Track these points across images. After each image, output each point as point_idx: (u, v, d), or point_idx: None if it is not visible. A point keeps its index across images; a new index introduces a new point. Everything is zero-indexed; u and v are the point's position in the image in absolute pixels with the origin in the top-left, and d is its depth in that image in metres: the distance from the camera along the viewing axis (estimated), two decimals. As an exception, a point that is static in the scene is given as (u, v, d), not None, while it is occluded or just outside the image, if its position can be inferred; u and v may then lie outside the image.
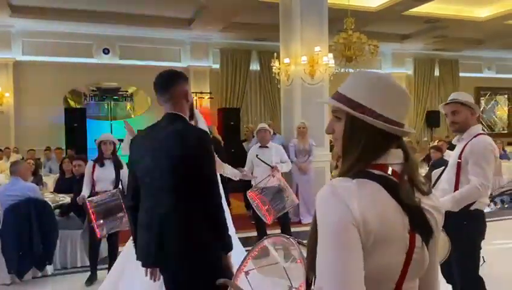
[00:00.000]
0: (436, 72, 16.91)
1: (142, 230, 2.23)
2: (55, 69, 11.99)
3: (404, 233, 1.14)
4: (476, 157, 2.76)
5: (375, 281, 1.12)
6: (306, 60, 7.27)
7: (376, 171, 1.17)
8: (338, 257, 1.07)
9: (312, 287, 1.26)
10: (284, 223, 5.30)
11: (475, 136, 2.86)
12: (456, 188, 2.83)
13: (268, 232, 5.16)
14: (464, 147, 2.85)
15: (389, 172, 1.18)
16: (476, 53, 16.87)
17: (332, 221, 1.10)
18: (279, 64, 7.83)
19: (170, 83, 2.40)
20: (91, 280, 4.87)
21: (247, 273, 1.78)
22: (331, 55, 7.79)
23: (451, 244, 2.58)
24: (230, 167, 4.43)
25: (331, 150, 8.14)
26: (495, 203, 5.75)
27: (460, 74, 17.14)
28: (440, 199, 2.52)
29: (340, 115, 1.26)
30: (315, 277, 1.20)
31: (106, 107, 12.98)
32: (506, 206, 6.81)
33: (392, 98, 1.22)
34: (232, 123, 12.40)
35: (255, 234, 5.90)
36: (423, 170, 7.01)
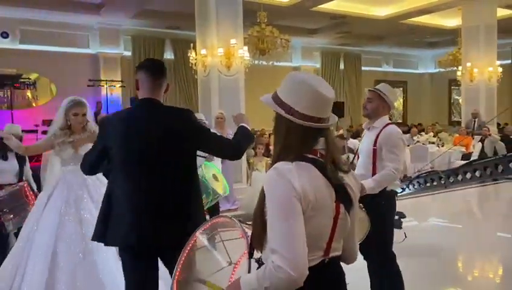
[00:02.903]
0: (341, 66, 18.03)
1: None
2: None
3: (331, 203, 1.46)
4: (389, 146, 3.05)
5: (313, 242, 1.40)
6: (222, 52, 7.44)
7: (309, 155, 1.47)
8: (286, 223, 1.36)
9: (255, 256, 1.53)
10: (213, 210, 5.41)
11: (385, 126, 3.13)
12: (374, 172, 3.09)
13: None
14: (378, 135, 3.11)
15: (319, 155, 1.48)
16: (376, 49, 18.29)
17: (280, 195, 1.38)
18: (196, 54, 7.90)
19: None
20: None
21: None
22: (246, 48, 8.03)
23: (371, 222, 2.84)
24: None
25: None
26: (413, 185, 6.46)
27: (363, 68, 18.48)
28: (362, 182, 2.86)
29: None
30: (260, 247, 1.49)
31: (5, 95, 12.01)
32: (422, 186, 7.64)
33: (313, 101, 1.47)
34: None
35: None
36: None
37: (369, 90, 3.25)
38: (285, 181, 1.38)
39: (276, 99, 1.51)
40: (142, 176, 2.33)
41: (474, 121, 11.74)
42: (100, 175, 3.61)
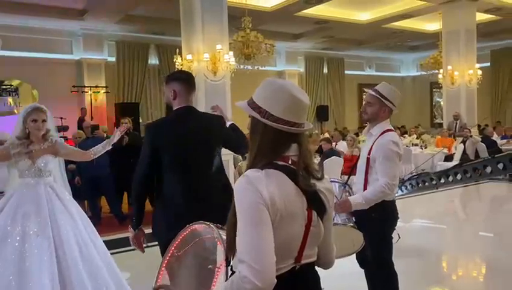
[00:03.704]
0: (325, 70, 18.20)
1: None
2: None
3: (303, 210, 1.44)
4: (381, 157, 2.82)
5: (283, 250, 1.39)
6: (208, 58, 7.48)
7: (280, 162, 1.45)
8: (253, 231, 1.34)
9: (231, 264, 1.51)
10: None
11: (382, 134, 2.90)
12: (365, 182, 2.93)
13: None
14: (373, 143, 2.91)
15: (290, 162, 1.46)
16: (359, 53, 18.51)
17: (247, 203, 1.37)
18: (182, 60, 7.93)
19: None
20: None
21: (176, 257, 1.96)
22: (231, 53, 8.09)
23: (365, 235, 2.71)
24: None
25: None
26: (406, 187, 6.56)
27: (346, 72, 18.67)
28: (350, 198, 2.80)
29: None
30: (233, 256, 1.48)
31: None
32: (414, 188, 7.78)
33: (289, 105, 1.46)
34: (131, 118, 12.07)
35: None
36: (316, 160, 7.66)
37: (369, 93, 2.99)
38: (253, 189, 1.36)
39: (252, 104, 1.50)
40: (190, 173, 2.67)
41: (456, 123, 11.99)
42: (60, 191, 3.50)
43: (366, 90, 19.56)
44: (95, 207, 6.93)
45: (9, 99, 12.17)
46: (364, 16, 13.59)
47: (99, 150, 3.78)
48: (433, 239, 5.92)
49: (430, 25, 14.71)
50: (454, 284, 4.60)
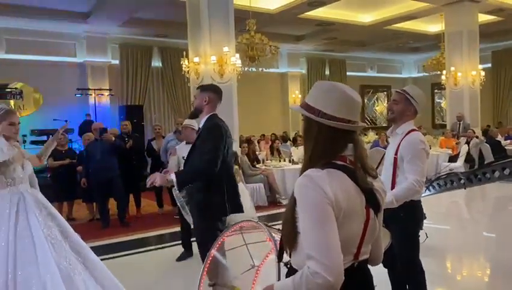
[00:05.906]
0: (327, 71, 18.22)
1: None
2: None
3: (362, 208, 1.49)
4: (410, 156, 2.82)
5: (344, 247, 1.43)
6: (215, 60, 7.50)
7: (339, 162, 1.50)
8: (320, 229, 1.39)
9: (284, 260, 1.57)
10: None
11: (408, 133, 2.90)
12: (393, 181, 2.91)
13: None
14: (399, 143, 2.90)
15: (348, 162, 1.51)
16: (361, 54, 18.55)
17: (312, 202, 1.41)
18: (189, 62, 7.95)
19: None
20: None
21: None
22: (238, 55, 8.12)
23: (391, 235, 2.63)
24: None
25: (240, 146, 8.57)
26: (433, 187, 6.56)
27: (348, 73, 18.68)
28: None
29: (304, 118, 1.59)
30: (290, 250, 1.53)
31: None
32: (442, 188, 7.82)
33: (343, 103, 1.51)
34: (135, 121, 12.10)
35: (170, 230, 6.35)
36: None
37: (396, 91, 3.04)
38: (318, 188, 1.40)
39: (306, 106, 1.54)
40: (230, 164, 3.30)
41: (459, 124, 12.03)
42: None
43: (367, 91, 19.64)
44: (104, 210, 6.95)
45: (12, 103, 12.17)
46: (366, 17, 13.63)
47: (44, 151, 3.54)
48: (438, 239, 5.91)
49: (431, 26, 14.76)
50: (459, 284, 4.57)
